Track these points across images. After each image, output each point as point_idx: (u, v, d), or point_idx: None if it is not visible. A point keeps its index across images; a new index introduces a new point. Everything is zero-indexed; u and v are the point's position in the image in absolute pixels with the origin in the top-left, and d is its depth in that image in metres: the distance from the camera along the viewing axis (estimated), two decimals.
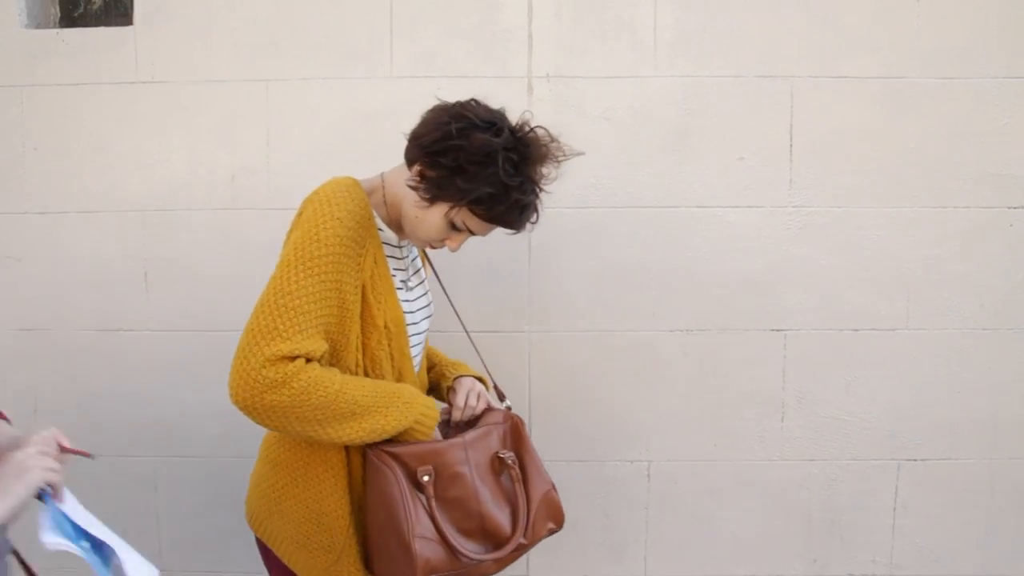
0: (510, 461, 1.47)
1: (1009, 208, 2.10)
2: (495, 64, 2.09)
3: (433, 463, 1.37)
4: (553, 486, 1.54)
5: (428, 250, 1.56)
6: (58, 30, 2.14)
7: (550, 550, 2.22)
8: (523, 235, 2.06)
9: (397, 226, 1.47)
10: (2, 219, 2.16)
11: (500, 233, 2.12)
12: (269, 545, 1.45)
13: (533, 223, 1.43)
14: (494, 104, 1.50)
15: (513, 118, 1.38)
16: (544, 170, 1.37)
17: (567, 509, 2.17)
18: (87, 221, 2.15)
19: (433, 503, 1.35)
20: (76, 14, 2.27)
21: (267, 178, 2.12)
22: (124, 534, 2.22)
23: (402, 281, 1.47)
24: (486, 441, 1.47)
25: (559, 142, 1.37)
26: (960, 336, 2.12)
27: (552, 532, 1.53)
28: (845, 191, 2.08)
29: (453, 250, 1.45)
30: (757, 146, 2.09)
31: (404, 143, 1.42)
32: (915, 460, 2.16)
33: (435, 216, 1.37)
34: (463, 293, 2.13)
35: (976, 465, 2.18)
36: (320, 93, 2.10)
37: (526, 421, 2.14)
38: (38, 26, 2.18)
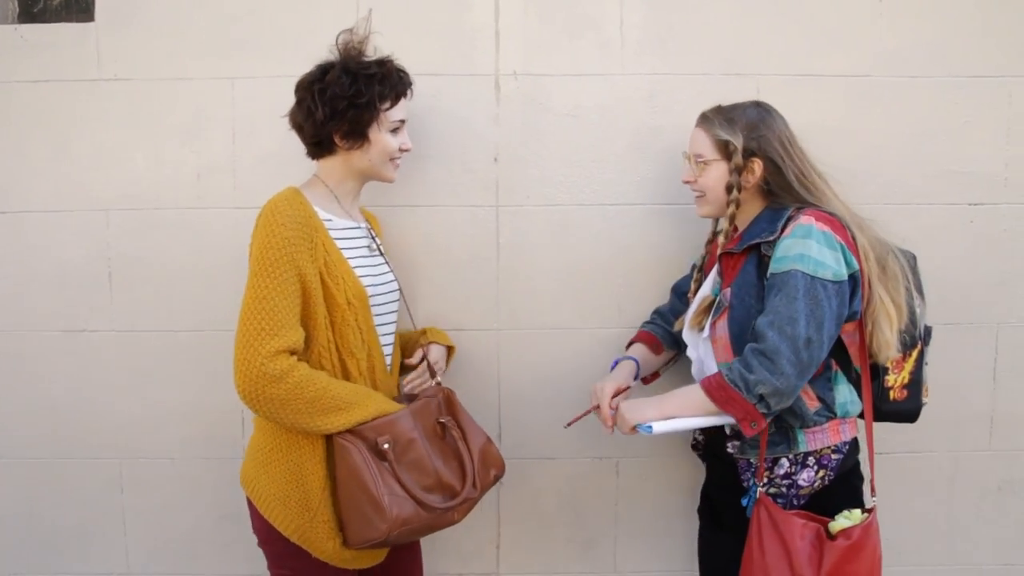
0: (449, 424, 1.71)
1: (970, 205, 2.14)
2: (463, 62, 2.08)
3: (390, 432, 1.57)
4: (489, 439, 1.76)
5: (393, 174, 1.77)
6: (16, 26, 2.10)
7: (520, 545, 2.24)
8: (491, 233, 2.09)
9: (345, 210, 1.73)
10: None
11: (468, 228, 2.12)
12: (255, 503, 1.63)
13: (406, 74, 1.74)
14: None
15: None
16: (367, 51, 1.72)
17: (537, 504, 2.20)
18: (49, 221, 2.12)
19: (395, 466, 1.56)
20: (35, 10, 2.22)
21: (233, 177, 2.10)
22: (90, 536, 2.21)
23: (360, 256, 1.70)
24: (427, 410, 1.70)
25: (348, 34, 1.72)
26: None
27: (497, 479, 1.76)
28: None
29: (408, 147, 1.74)
30: None
31: None
32: (880, 453, 2.19)
33: (378, 140, 1.68)
34: (432, 290, 2.13)
35: (939, 458, 2.22)
36: (287, 91, 2.06)
37: (496, 418, 2.16)
38: None
